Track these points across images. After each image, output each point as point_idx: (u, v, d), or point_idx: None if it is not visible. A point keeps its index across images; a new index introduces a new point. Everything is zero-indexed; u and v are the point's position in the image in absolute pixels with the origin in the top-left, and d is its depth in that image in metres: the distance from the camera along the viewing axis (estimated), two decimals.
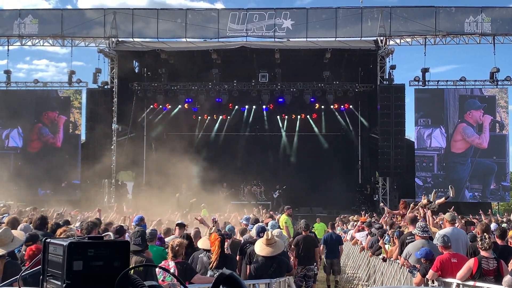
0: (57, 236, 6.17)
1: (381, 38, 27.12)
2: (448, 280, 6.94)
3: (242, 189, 28.45)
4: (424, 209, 10.96)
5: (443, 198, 12.73)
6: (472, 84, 27.59)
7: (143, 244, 6.29)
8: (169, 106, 30.50)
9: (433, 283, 7.12)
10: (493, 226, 11.09)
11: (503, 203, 29.80)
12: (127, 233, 8.21)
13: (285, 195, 28.03)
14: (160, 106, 30.40)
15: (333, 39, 27.48)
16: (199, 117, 31.95)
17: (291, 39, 27.94)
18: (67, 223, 9.43)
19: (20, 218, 10.11)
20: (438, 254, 7.34)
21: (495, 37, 26.99)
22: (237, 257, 7.89)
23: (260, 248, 7.24)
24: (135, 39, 28.65)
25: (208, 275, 6.65)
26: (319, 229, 18.04)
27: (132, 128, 29.79)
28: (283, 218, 12.26)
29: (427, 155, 26.99)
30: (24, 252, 5.92)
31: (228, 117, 31.93)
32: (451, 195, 12.76)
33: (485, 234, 7.24)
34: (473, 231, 9.65)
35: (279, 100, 28.73)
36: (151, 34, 28.21)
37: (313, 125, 31.91)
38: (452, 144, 26.81)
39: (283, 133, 32.41)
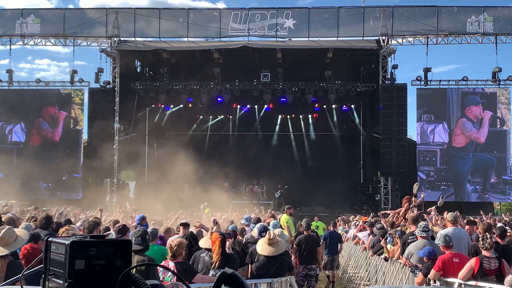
0: (60, 235, 6.17)
1: (383, 37, 27.10)
2: (450, 279, 6.93)
3: (243, 189, 28.47)
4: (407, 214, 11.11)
5: (434, 207, 12.84)
6: (474, 83, 27.63)
7: (144, 244, 6.30)
8: (171, 106, 30.54)
9: (435, 283, 7.11)
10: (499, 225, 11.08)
11: (505, 202, 29.73)
12: (131, 231, 8.23)
13: (286, 194, 28.04)
14: (162, 106, 30.44)
15: (335, 38, 27.48)
16: (201, 117, 31.98)
17: (293, 39, 27.95)
18: (68, 221, 9.45)
19: (21, 217, 10.14)
20: (440, 253, 7.34)
21: (497, 36, 26.98)
22: None
23: (262, 248, 7.25)
24: (137, 39, 28.69)
25: (210, 275, 6.65)
26: (320, 227, 18.02)
27: (134, 127, 29.82)
28: (284, 218, 12.26)
29: (430, 150, 27.33)
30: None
31: (230, 116, 31.94)
32: (439, 204, 12.94)
33: (486, 233, 7.23)
34: (477, 231, 9.63)
35: (281, 99, 28.73)
36: (153, 34, 28.25)
37: (315, 125, 31.91)
38: (453, 139, 27.15)
39: (285, 133, 32.40)
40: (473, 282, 6.57)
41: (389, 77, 27.20)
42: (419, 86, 27.42)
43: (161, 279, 5.93)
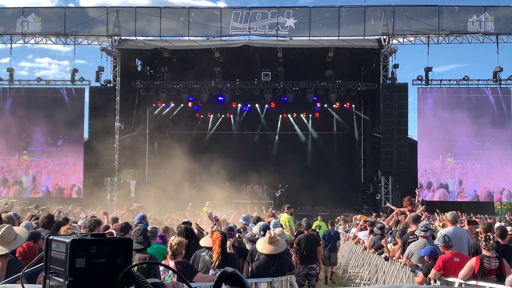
0: (60, 234, 6.18)
1: (384, 37, 27.10)
2: (451, 279, 6.93)
3: (244, 188, 28.46)
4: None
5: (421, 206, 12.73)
6: (475, 83, 27.60)
7: (145, 242, 6.30)
8: (172, 105, 30.54)
9: (436, 282, 7.11)
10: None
11: (505, 202, 29.75)
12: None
13: (287, 194, 28.04)
14: (163, 105, 30.45)
15: (336, 38, 27.48)
16: (202, 116, 31.98)
17: (294, 38, 27.94)
18: (65, 220, 9.43)
19: (22, 216, 10.15)
20: (440, 253, 7.34)
21: (499, 36, 26.96)
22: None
23: (263, 246, 7.23)
24: (138, 38, 28.70)
25: (210, 274, 6.64)
26: (322, 227, 17.99)
27: (135, 126, 29.82)
28: (285, 217, 12.23)
29: None
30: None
31: (231, 115, 31.94)
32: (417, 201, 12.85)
33: (488, 234, 7.22)
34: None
35: (282, 98, 28.72)
36: (153, 33, 28.26)
37: (315, 124, 31.90)
38: None
39: (285, 132, 32.39)
40: (473, 282, 6.56)
41: (390, 76, 27.20)
42: (420, 86, 27.44)
43: (161, 279, 5.92)
